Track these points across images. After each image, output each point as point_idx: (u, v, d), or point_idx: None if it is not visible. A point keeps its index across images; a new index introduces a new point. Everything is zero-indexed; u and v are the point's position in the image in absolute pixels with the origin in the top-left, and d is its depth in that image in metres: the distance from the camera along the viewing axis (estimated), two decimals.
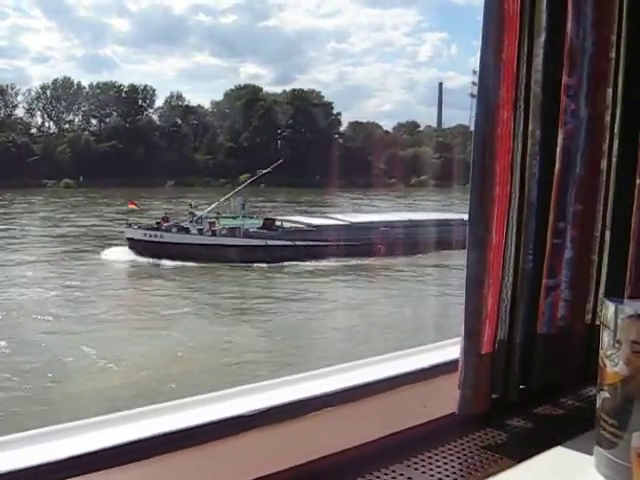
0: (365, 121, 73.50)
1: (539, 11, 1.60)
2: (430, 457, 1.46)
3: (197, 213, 30.20)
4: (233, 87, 69.25)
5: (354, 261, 26.30)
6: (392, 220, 30.05)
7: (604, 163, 1.77)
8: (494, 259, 1.63)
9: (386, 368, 1.61)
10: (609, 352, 1.33)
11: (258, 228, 29.31)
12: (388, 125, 76.68)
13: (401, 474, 1.39)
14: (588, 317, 1.83)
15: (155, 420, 1.29)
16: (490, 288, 1.62)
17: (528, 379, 1.74)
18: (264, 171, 38.42)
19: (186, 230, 28.83)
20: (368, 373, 1.56)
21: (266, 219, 30.77)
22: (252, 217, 31.13)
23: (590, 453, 1.38)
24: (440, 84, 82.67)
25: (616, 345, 1.31)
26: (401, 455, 1.45)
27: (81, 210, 40.27)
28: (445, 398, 1.63)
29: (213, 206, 31.87)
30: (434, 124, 77.20)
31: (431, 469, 1.41)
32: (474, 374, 1.60)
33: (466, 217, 1.58)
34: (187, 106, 66.80)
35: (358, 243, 26.69)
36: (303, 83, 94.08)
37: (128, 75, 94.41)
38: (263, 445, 1.35)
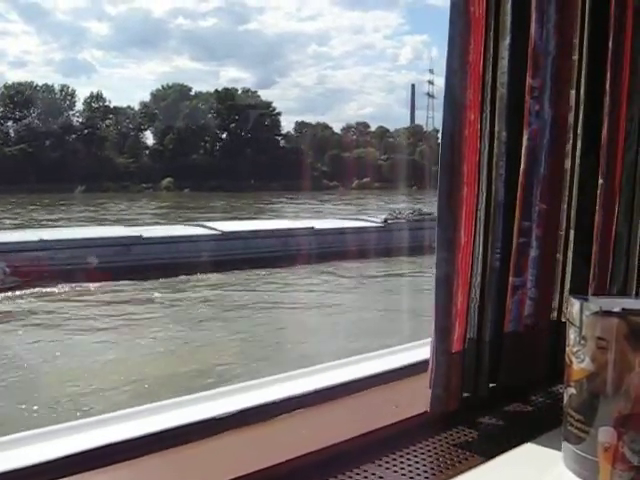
0: (315, 122, 74.24)
1: (504, 13, 1.70)
2: (402, 456, 1.55)
3: None
4: (160, 87, 69.03)
5: None
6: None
7: (568, 163, 1.89)
8: (462, 259, 1.71)
9: (357, 369, 1.70)
10: (575, 349, 1.43)
11: None
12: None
13: (373, 473, 1.47)
14: (554, 314, 1.94)
15: (126, 424, 1.35)
16: (459, 287, 1.71)
17: (497, 377, 1.83)
18: None
19: None
20: (339, 375, 1.66)
21: None
22: None
23: (558, 449, 1.48)
24: (412, 86, 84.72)
25: (582, 342, 1.41)
26: (373, 455, 1.53)
27: None
28: (416, 398, 1.72)
29: None
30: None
31: (402, 468, 1.50)
32: (445, 372, 1.68)
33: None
34: (108, 107, 66.01)
35: None
36: (283, 86, 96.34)
37: (107, 79, 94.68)
38: (235, 448, 1.43)
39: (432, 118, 79.15)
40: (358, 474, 1.47)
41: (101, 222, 30.58)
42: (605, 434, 1.38)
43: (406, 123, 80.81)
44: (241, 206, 44.07)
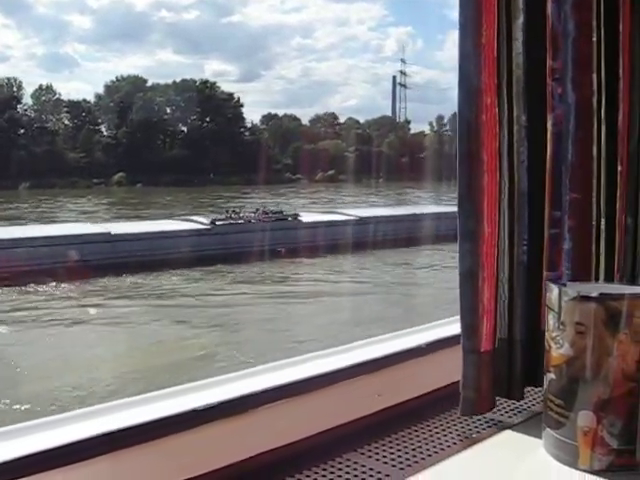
0: (282, 114, 74.23)
1: None
2: (384, 445, 1.61)
3: None
4: (114, 78, 68.43)
5: None
6: None
7: (595, 149, 1.84)
8: (487, 251, 1.69)
9: (338, 360, 1.73)
10: (554, 334, 1.48)
11: None
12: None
13: (355, 462, 1.52)
14: None
15: (106, 418, 1.38)
16: (485, 282, 1.69)
17: (534, 378, 1.78)
18: None
19: None
20: (320, 365, 1.68)
21: None
22: None
23: (539, 434, 1.54)
24: (394, 77, 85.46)
25: (560, 327, 1.47)
26: (355, 443, 1.59)
27: None
28: (399, 386, 1.78)
29: None
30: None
31: (385, 456, 1.56)
32: (475, 373, 1.68)
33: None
34: (60, 100, 65.21)
35: None
36: (268, 79, 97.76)
37: (90, 73, 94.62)
38: (216, 439, 1.46)
39: (405, 109, 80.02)
40: (340, 462, 1.52)
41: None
42: (584, 418, 1.44)
43: (388, 115, 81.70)
44: (186, 202, 43.40)
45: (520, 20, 1.71)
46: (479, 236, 1.68)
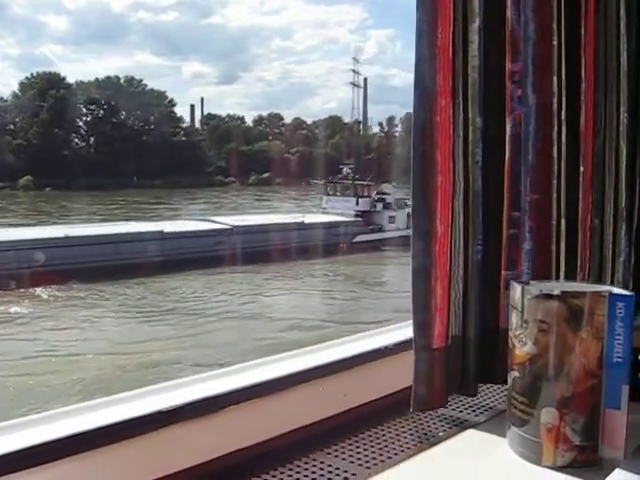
0: (225, 114, 74.11)
1: None
2: (350, 444, 1.68)
3: None
4: (29, 75, 67.22)
5: None
6: None
7: (555, 151, 1.98)
8: (440, 250, 1.78)
9: (306, 360, 1.80)
10: (517, 332, 1.57)
11: None
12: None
13: (322, 462, 1.59)
14: None
15: (71, 419, 1.42)
16: (438, 280, 1.78)
17: (490, 375, 1.91)
18: None
19: None
20: (288, 365, 1.75)
21: None
22: None
23: (504, 432, 1.62)
24: (365, 79, 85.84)
25: (524, 325, 1.55)
26: (322, 443, 1.65)
27: None
28: (365, 386, 1.85)
29: None
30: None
31: (351, 455, 1.63)
32: (426, 369, 1.76)
33: None
34: None
35: None
36: (248, 81, 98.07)
37: (66, 74, 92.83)
38: (182, 440, 1.51)
39: (357, 109, 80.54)
40: (307, 462, 1.58)
41: None
42: (547, 415, 1.53)
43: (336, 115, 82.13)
44: (72, 208, 42.75)
45: (476, 24, 1.81)
46: (432, 235, 1.77)
